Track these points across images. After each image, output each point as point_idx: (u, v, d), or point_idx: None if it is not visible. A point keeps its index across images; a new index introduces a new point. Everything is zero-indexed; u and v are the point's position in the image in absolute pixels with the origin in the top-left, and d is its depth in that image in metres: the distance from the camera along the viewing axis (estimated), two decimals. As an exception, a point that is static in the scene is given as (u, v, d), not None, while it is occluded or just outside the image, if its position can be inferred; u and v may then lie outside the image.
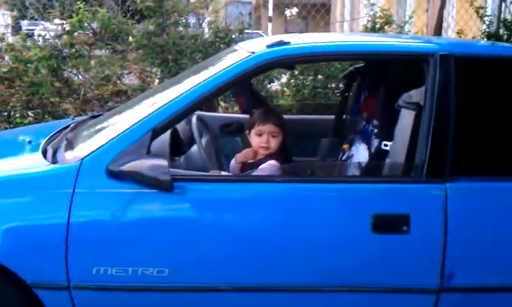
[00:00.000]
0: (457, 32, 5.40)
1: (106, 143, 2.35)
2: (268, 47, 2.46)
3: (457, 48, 2.53)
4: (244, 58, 2.45)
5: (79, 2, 5.27)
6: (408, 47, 2.70)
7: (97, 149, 2.35)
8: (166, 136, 2.60)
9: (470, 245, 2.33)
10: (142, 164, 2.23)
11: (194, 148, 2.76)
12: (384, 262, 2.32)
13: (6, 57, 5.15)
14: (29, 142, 2.86)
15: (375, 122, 2.80)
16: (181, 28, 5.38)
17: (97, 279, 2.28)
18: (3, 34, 5.38)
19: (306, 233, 2.31)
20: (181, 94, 2.39)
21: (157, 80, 5.24)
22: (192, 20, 5.92)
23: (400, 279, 2.33)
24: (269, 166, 2.66)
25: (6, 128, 5.11)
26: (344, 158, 3.00)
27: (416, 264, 2.32)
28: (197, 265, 2.31)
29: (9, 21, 12.80)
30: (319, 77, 5.34)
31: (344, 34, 4.17)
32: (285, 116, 4.13)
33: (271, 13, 9.70)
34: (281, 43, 2.47)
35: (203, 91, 2.37)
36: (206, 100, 2.40)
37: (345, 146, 3.05)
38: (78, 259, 2.27)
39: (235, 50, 2.81)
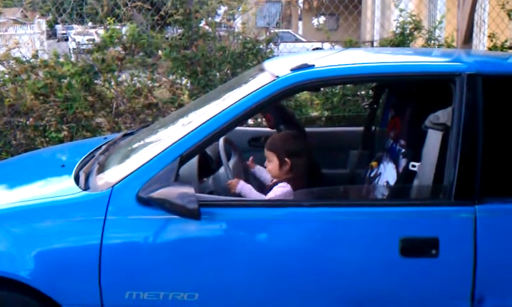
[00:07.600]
0: (489, 36, 5.31)
1: (136, 170, 2.40)
2: (292, 70, 2.46)
3: (484, 67, 2.49)
4: (269, 83, 2.46)
5: (109, 18, 5.37)
6: (434, 66, 2.67)
7: (127, 176, 2.40)
8: (194, 160, 2.63)
9: (500, 267, 2.31)
10: (170, 192, 2.27)
11: (222, 169, 2.78)
12: (413, 286, 2.31)
13: (40, 73, 5.27)
14: (63, 166, 2.94)
15: (402, 142, 2.78)
16: (210, 31, 5.29)
17: (130, 304, 2.34)
18: (37, 51, 5.51)
19: (334, 258, 2.32)
20: (207, 121, 2.42)
21: (187, 92, 5.28)
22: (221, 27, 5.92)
23: (430, 303, 2.32)
24: (278, 189, 2.68)
25: (42, 142, 5.24)
26: (372, 175, 2.99)
27: (445, 287, 2.30)
28: (226, 289, 2.34)
29: (44, 27, 13.17)
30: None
31: (370, 51, 4.11)
32: (314, 129, 4.17)
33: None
34: (305, 66, 2.47)
35: (227, 118, 2.40)
36: (231, 126, 2.43)
37: (374, 163, 3.03)
38: (111, 284, 2.34)
39: (262, 70, 2.82)
